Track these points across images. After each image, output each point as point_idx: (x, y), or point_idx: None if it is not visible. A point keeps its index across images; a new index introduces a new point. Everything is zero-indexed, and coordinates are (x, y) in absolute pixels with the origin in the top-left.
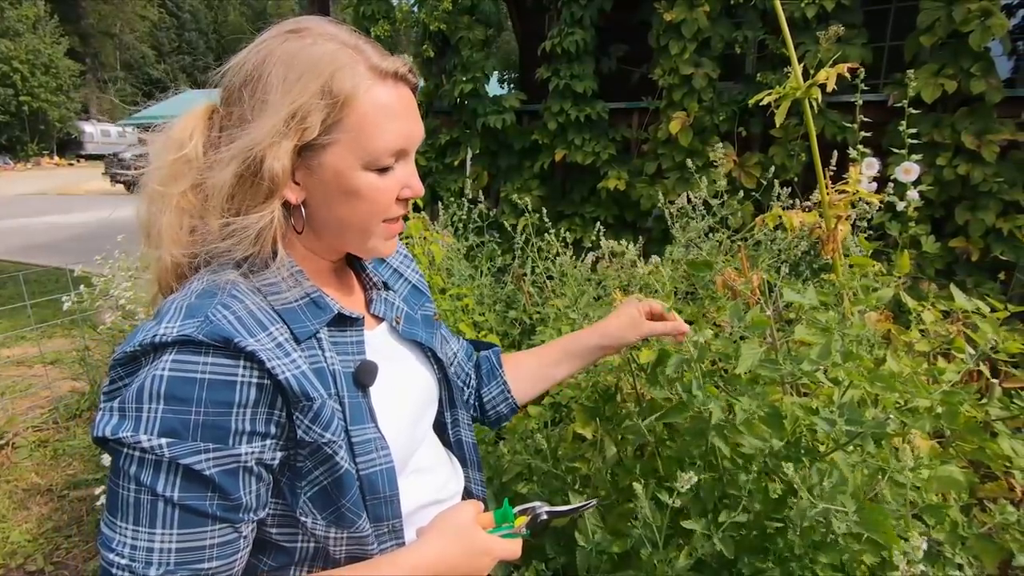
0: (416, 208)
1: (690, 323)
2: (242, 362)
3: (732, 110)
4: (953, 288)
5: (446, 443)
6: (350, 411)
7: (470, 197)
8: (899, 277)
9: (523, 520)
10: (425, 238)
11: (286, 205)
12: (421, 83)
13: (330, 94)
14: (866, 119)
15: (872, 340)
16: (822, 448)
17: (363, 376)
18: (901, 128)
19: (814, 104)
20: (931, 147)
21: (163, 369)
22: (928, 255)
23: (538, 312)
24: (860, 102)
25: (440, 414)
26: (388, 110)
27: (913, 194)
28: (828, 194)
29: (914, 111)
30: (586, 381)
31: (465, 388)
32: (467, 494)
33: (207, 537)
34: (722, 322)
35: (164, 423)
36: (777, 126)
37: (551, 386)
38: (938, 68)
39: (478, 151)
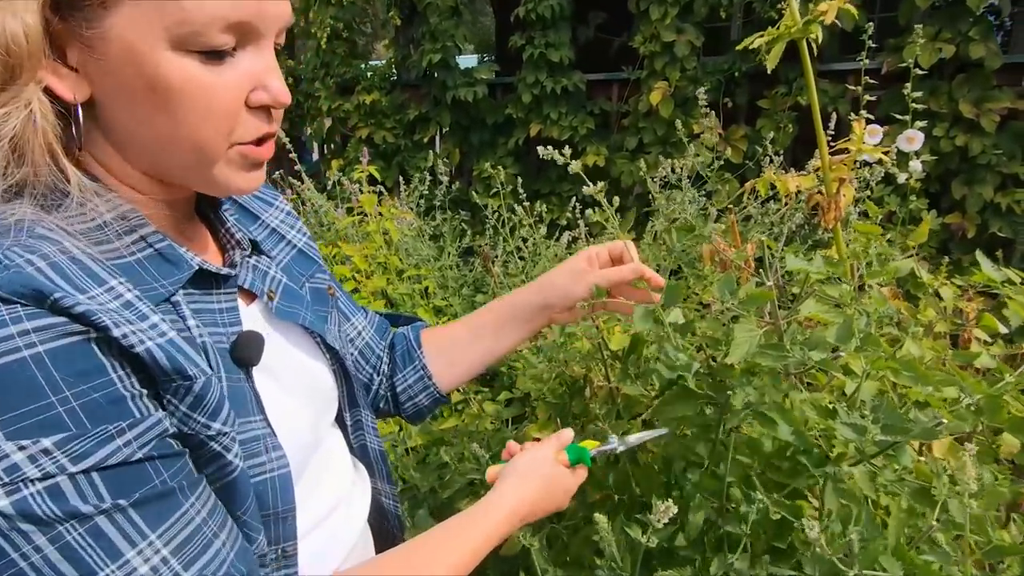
0: (372, 181)
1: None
2: (75, 324)
3: (717, 80)
4: (979, 255)
5: (348, 449)
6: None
7: (442, 172)
8: (914, 248)
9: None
10: (380, 215)
11: (67, 106)
12: (390, 55)
13: None
14: (857, 86)
15: (895, 318)
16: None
17: (243, 350)
18: (905, 91)
19: (813, 46)
20: (928, 116)
21: None
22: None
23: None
24: (864, 63)
25: (339, 414)
26: None
27: (916, 164)
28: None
29: (919, 72)
30: (550, 372)
31: (375, 376)
32: (376, 508)
33: (192, 516)
34: (710, 300)
35: (26, 433)
36: (768, 71)
37: (492, 361)
38: (935, 32)
39: (448, 127)
